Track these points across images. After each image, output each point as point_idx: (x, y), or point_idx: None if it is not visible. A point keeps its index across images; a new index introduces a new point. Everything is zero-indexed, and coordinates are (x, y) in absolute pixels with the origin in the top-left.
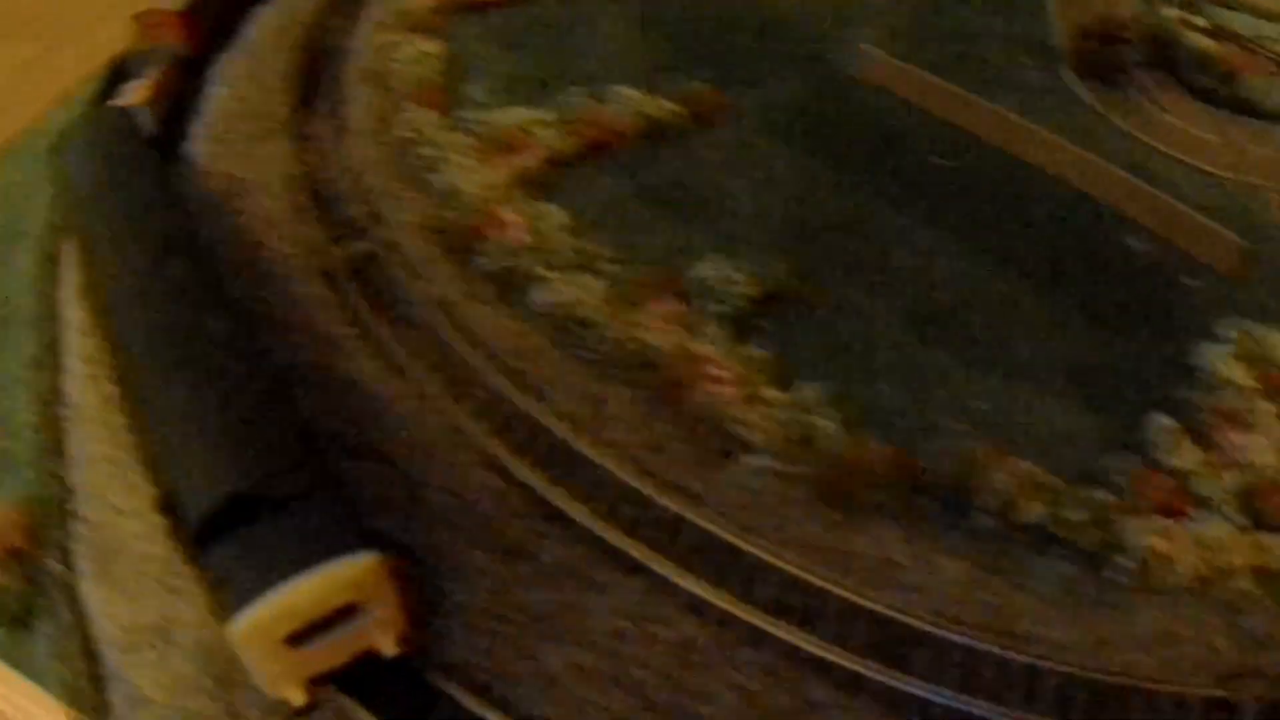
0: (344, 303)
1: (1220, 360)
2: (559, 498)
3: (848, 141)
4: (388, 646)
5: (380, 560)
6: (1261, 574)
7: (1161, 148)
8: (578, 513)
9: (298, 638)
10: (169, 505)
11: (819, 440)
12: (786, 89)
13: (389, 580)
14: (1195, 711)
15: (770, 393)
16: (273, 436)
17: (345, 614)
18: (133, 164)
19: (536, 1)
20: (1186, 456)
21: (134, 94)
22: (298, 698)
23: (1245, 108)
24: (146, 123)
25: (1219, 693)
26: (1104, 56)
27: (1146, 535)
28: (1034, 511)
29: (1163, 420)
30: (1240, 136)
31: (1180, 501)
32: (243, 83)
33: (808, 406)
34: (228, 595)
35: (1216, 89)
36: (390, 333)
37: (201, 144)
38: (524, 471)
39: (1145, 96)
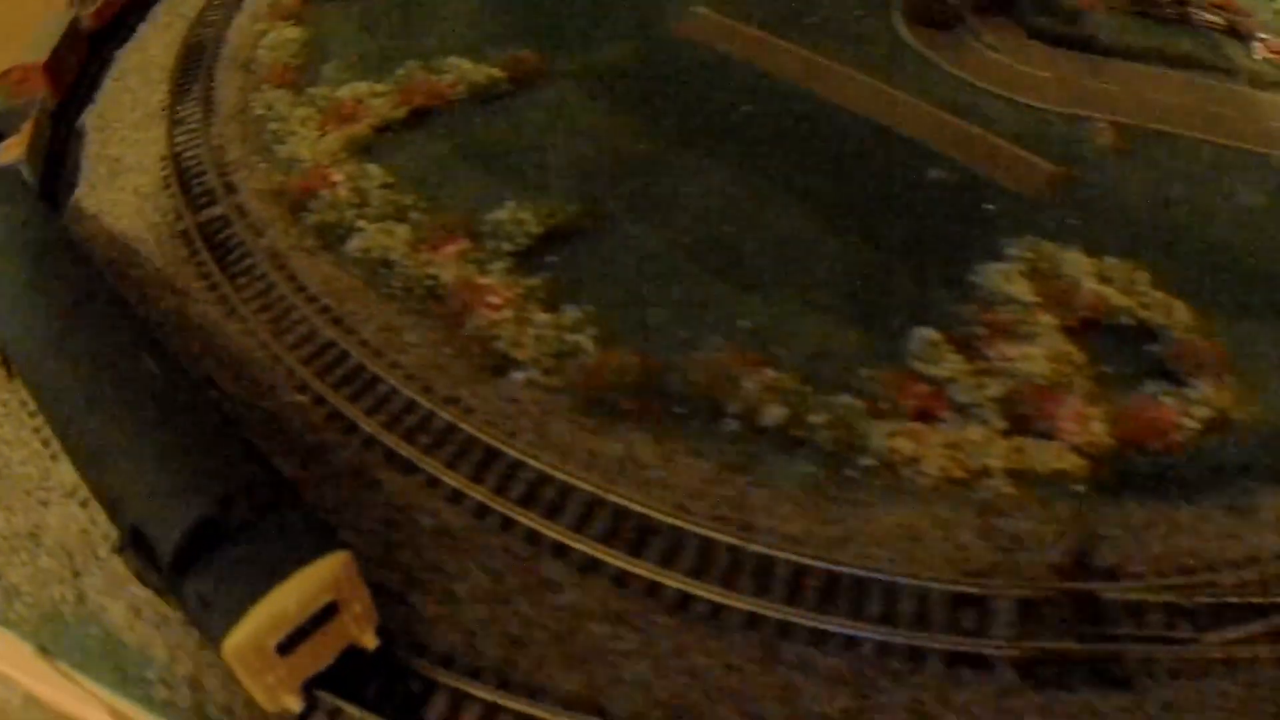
0: (197, 260)
1: (1003, 277)
2: (352, 412)
3: (663, 95)
4: (368, 640)
5: (350, 556)
6: (1019, 476)
7: (984, 85)
8: (365, 423)
9: (286, 645)
10: (134, 543)
11: (576, 355)
12: (613, 50)
13: (359, 575)
14: (938, 604)
15: (539, 316)
16: (227, 459)
17: (325, 615)
18: (26, 219)
19: None
20: (948, 366)
21: (7, 151)
22: (296, 704)
23: (1087, 44)
24: (25, 176)
25: (965, 588)
26: (936, 2)
27: (891, 437)
28: (777, 415)
29: (928, 333)
30: (1077, 71)
31: (935, 406)
32: (131, 75)
33: (569, 326)
34: (213, 618)
35: (1057, 28)
36: (231, 283)
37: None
38: (327, 392)
39: (978, 39)
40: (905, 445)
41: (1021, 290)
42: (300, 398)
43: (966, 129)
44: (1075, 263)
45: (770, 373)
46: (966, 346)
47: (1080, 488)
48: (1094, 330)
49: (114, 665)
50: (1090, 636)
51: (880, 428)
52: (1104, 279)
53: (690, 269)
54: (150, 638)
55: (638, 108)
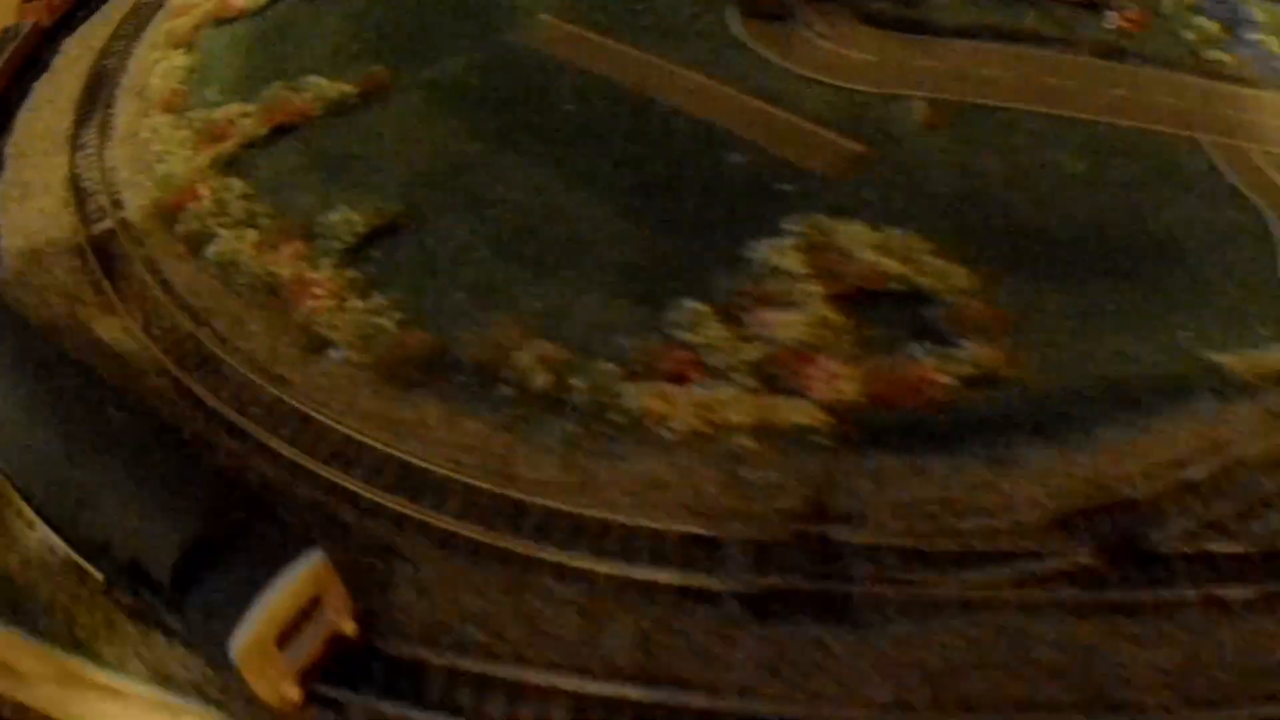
0: (88, 269)
1: (776, 251)
2: (200, 390)
3: (496, 101)
4: (349, 628)
5: (323, 554)
6: (762, 430)
7: (807, 73)
8: (209, 400)
9: (281, 641)
10: (129, 575)
11: (380, 335)
12: (457, 62)
13: (333, 570)
14: (674, 545)
15: (353, 302)
16: (203, 486)
17: (310, 609)
18: None
19: (270, 10)
20: (708, 333)
21: None
22: (296, 694)
23: (922, 26)
24: None
25: (701, 530)
26: None
27: (643, 398)
28: (544, 381)
29: (694, 305)
30: (904, 52)
31: (689, 370)
32: (44, 106)
33: (376, 310)
34: (217, 625)
35: (892, 12)
36: (114, 288)
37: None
38: (182, 375)
39: (809, 28)
40: (657, 405)
41: (792, 263)
42: (160, 381)
43: (773, 114)
44: (853, 235)
45: (545, 345)
46: (730, 316)
47: (825, 441)
48: (866, 298)
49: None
50: (819, 576)
51: (635, 390)
52: (882, 250)
53: (492, 257)
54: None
55: (471, 113)
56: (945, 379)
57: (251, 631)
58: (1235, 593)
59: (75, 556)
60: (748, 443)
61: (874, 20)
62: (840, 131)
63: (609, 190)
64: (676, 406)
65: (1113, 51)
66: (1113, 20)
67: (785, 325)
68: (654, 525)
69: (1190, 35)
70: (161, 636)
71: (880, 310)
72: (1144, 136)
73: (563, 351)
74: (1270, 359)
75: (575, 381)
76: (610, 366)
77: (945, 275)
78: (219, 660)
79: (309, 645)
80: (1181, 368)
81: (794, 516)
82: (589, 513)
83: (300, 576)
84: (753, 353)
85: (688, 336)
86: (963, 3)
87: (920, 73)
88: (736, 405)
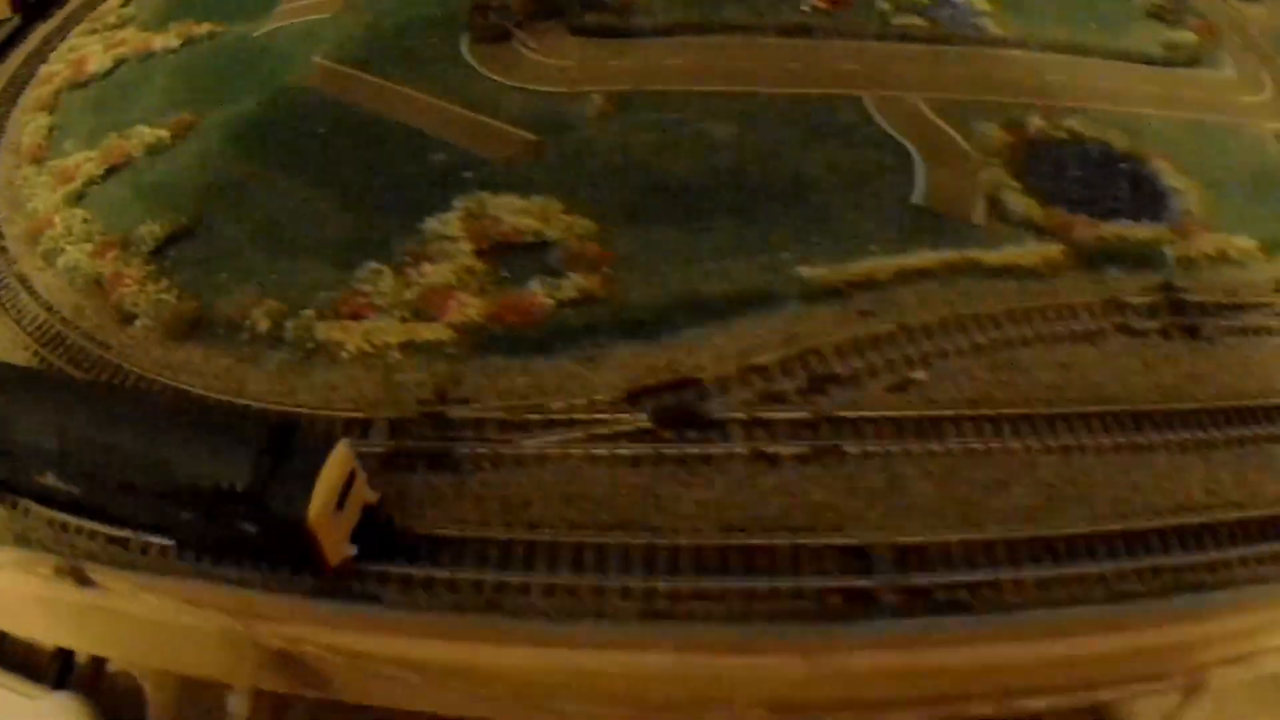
0: None
1: (442, 222)
2: (57, 361)
3: (272, 130)
4: (372, 497)
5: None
6: (408, 346)
7: (514, 83)
8: (62, 366)
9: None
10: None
11: (166, 307)
12: (250, 103)
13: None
14: (340, 426)
15: (150, 287)
16: (220, 428)
17: (349, 482)
18: None
19: (114, 73)
20: (381, 285)
21: None
22: (351, 550)
23: (623, 31)
24: None
25: (354, 414)
26: (490, 20)
27: (330, 331)
28: (265, 326)
29: (375, 265)
30: (601, 56)
31: (365, 310)
32: None
33: (166, 290)
34: (293, 501)
35: (601, 22)
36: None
37: None
38: (45, 353)
39: (525, 45)
40: (337, 335)
41: (452, 230)
42: (34, 360)
43: (473, 119)
44: (503, 204)
45: (270, 303)
46: (399, 271)
47: (452, 350)
48: (506, 250)
49: None
50: (434, 440)
51: (325, 327)
52: (524, 213)
53: (249, 247)
54: None
55: (251, 143)
56: (548, 302)
57: (319, 500)
58: (785, 448)
59: None
60: (398, 355)
61: (582, 31)
62: (523, 127)
63: (337, 190)
64: (351, 335)
65: (800, 30)
66: (809, 2)
67: (436, 273)
68: (330, 414)
69: (886, 6)
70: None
71: (515, 258)
72: (804, 101)
73: (282, 306)
74: (858, 266)
75: (287, 325)
76: (311, 313)
77: (571, 227)
78: (294, 534)
79: (352, 510)
80: (773, 282)
81: (422, 401)
82: (289, 409)
83: (341, 454)
84: (410, 294)
85: (367, 288)
86: (668, 5)
87: (609, 70)
88: (392, 331)
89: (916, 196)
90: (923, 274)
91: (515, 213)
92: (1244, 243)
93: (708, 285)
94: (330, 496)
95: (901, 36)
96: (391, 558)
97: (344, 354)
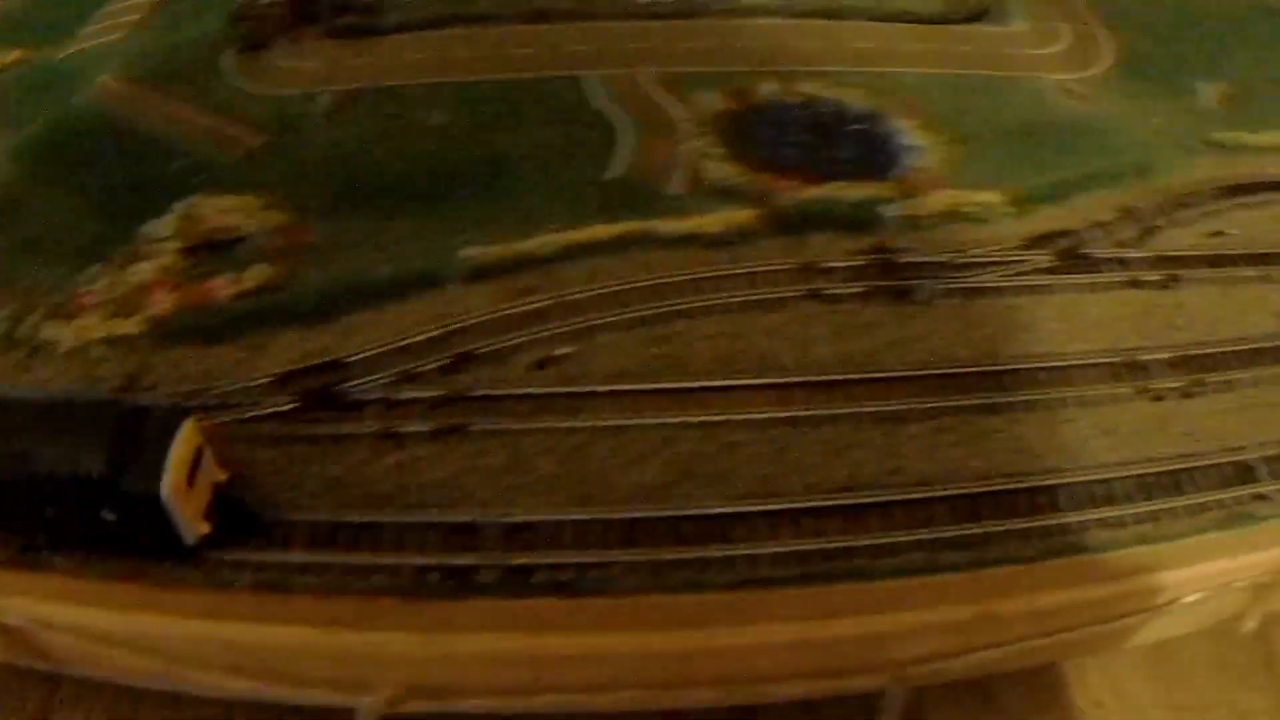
0: None
1: (161, 224)
2: None
3: (56, 148)
4: (222, 476)
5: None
6: (109, 340)
7: (263, 91)
8: None
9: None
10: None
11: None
12: (41, 126)
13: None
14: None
15: None
16: (71, 418)
17: (198, 459)
18: None
19: None
20: (97, 284)
21: None
22: (206, 527)
23: (374, 31)
24: None
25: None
26: (250, 30)
27: (50, 329)
28: (6, 327)
29: (97, 267)
30: (345, 56)
31: (81, 309)
32: None
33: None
34: (150, 482)
35: (353, 24)
36: None
37: None
38: None
39: (281, 52)
40: (54, 333)
41: (167, 230)
42: None
43: (212, 125)
44: (213, 204)
45: (15, 304)
46: (116, 271)
47: (142, 341)
48: (210, 246)
49: None
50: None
51: (50, 325)
52: (229, 211)
53: (14, 258)
54: None
55: (38, 161)
56: (227, 292)
57: (171, 475)
58: (412, 427)
59: None
60: (101, 349)
61: (338, 35)
62: (263, 129)
63: (93, 200)
64: (65, 332)
65: (539, 16)
66: None
67: (143, 271)
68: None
69: None
70: None
71: (213, 254)
72: (521, 85)
73: (23, 308)
74: (523, 245)
75: (23, 325)
76: (41, 313)
77: (266, 221)
78: (150, 513)
79: (203, 487)
80: (437, 265)
81: (114, 389)
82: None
83: (190, 430)
84: (119, 291)
85: (86, 288)
86: (425, 3)
87: (348, 70)
88: (97, 327)
89: (614, 171)
90: (593, 248)
91: (222, 211)
92: (986, 197)
93: (376, 271)
94: (182, 471)
95: (650, 15)
96: (248, 536)
97: (59, 350)
